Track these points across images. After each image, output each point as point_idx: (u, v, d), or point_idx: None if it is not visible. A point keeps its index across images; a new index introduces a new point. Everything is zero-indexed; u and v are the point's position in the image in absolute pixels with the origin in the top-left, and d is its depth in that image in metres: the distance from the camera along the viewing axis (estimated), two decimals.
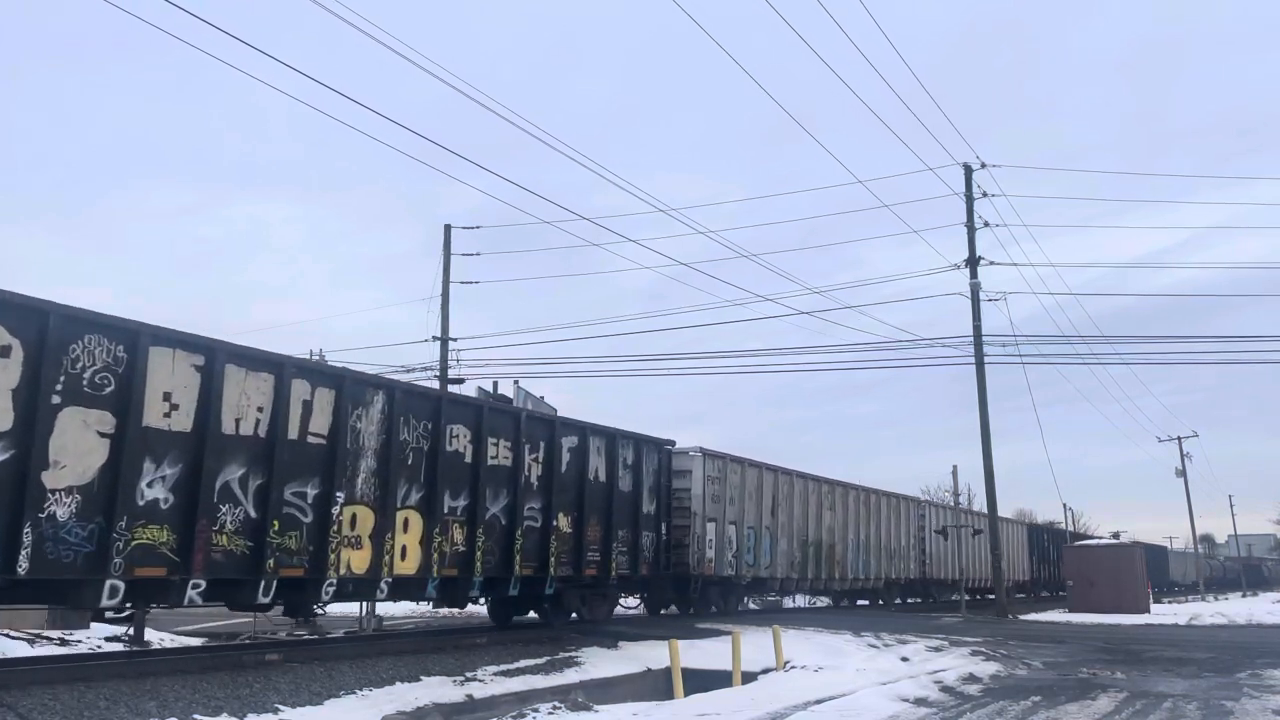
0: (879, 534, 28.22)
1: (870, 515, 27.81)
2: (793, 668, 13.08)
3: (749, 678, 12.32)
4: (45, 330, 8.60)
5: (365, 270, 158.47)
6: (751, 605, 28.75)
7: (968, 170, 29.31)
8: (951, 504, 34.72)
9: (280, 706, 9.35)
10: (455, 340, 30.91)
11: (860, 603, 30.29)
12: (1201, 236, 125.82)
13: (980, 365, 28.13)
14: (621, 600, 19.92)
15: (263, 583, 10.53)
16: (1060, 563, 43.02)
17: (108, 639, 15.27)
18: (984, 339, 28.23)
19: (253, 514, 10.37)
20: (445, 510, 12.88)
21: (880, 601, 29.72)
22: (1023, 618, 26.98)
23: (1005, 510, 39.96)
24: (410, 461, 12.41)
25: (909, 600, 32.98)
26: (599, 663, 13.43)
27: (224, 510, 10.09)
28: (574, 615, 16.45)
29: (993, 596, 33.35)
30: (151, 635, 16.16)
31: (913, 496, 32.42)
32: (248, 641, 15.62)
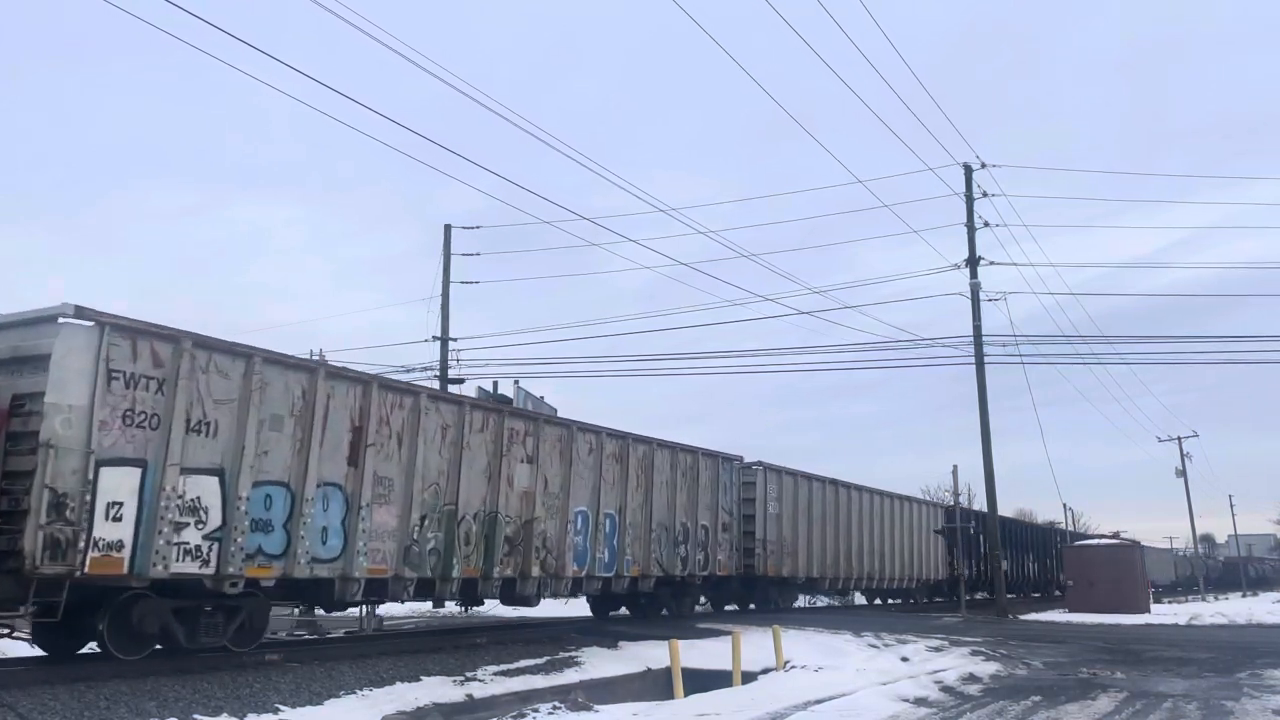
0: (650, 507, 18.38)
1: (635, 478, 18.06)
2: (793, 668, 13.09)
3: (749, 678, 12.33)
4: None
5: (365, 271, 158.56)
6: (302, 633, 18.68)
7: (968, 170, 29.31)
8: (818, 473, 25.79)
9: (280, 706, 9.36)
10: (455, 340, 30.93)
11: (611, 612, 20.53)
12: (1202, 235, 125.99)
13: (980, 365, 28.13)
14: None
15: None
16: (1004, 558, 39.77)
17: None
18: (984, 339, 28.25)
19: None
20: None
21: (665, 611, 20.22)
22: (1022, 618, 26.98)
23: (1005, 509, 39.45)
24: None
25: (730, 608, 24.21)
26: (599, 663, 13.44)
27: None
28: None
29: (895, 601, 32.61)
30: None
31: (732, 455, 21.84)
32: None
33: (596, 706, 10.06)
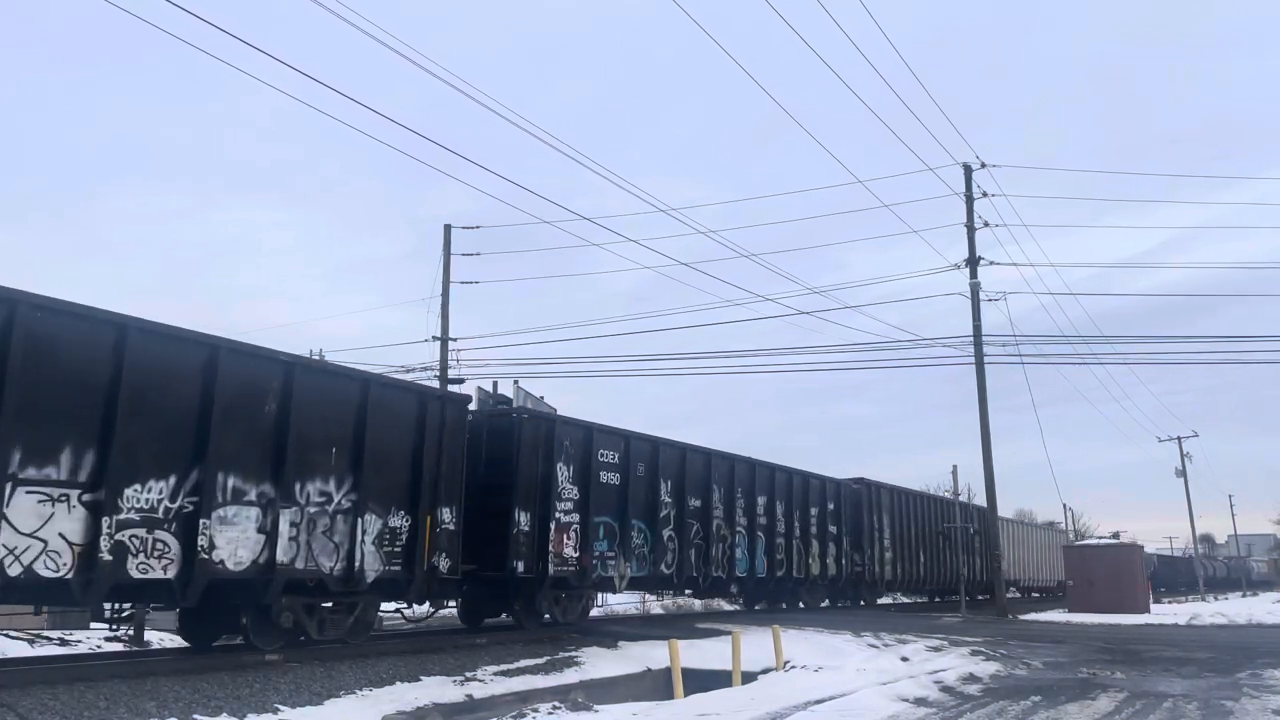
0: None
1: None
2: (792, 668, 13.08)
3: (749, 678, 12.32)
4: None
5: (354, 273, 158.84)
6: None
7: (967, 170, 29.32)
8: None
9: (280, 706, 9.35)
10: (455, 340, 30.96)
11: None
12: (1189, 236, 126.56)
13: (980, 365, 28.13)
14: None
15: None
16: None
17: (108, 639, 15.26)
18: (983, 339, 28.24)
19: None
20: None
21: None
22: (1022, 618, 26.99)
23: (1006, 509, 39.50)
24: None
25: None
26: (599, 663, 13.43)
27: None
28: None
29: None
30: (151, 635, 16.16)
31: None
32: None
33: (596, 706, 10.05)
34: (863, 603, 27.56)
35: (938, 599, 34.88)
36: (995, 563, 28.52)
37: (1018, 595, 39.22)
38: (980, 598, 34.57)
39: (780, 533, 22.04)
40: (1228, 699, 10.45)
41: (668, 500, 17.90)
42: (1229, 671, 13.26)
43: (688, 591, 21.02)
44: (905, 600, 34.62)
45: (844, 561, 25.35)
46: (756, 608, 24.30)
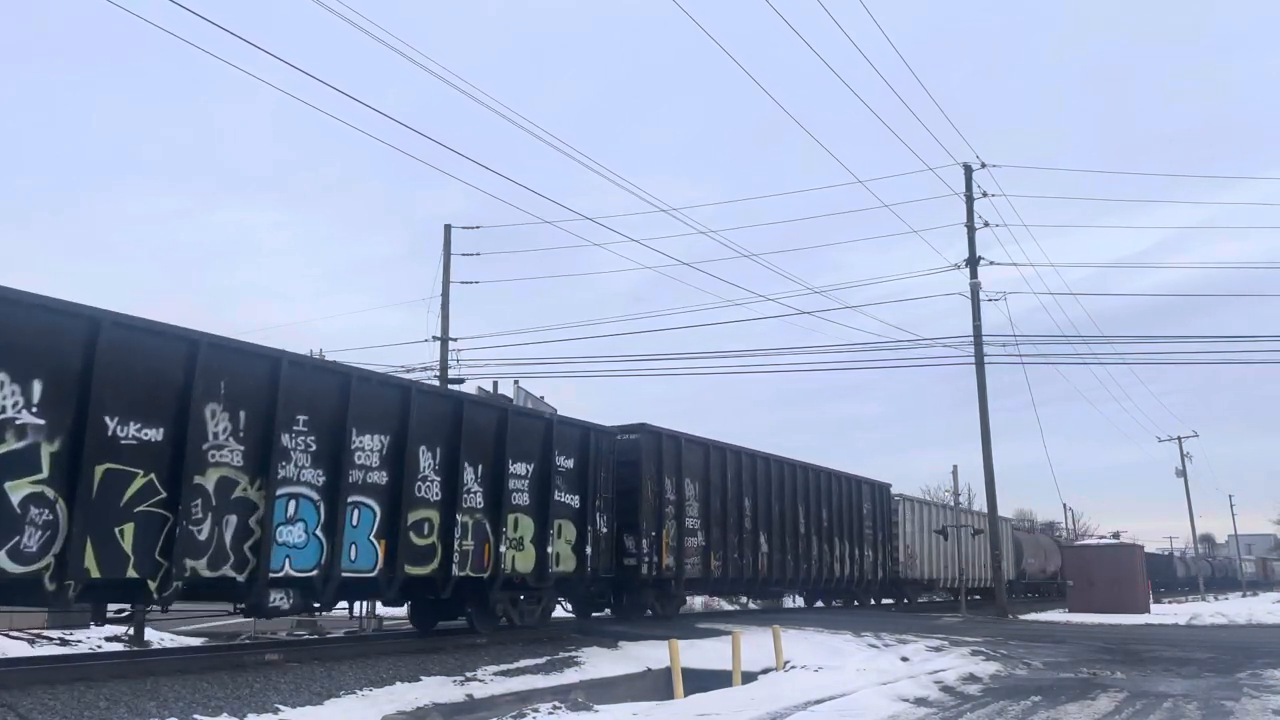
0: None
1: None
2: (793, 667, 13.09)
3: (749, 678, 12.33)
4: None
5: (353, 273, 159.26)
6: None
7: (968, 170, 29.33)
8: None
9: (280, 706, 9.35)
10: (455, 340, 30.97)
11: None
12: (1184, 236, 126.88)
13: (980, 365, 28.13)
14: None
15: None
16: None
17: (108, 639, 15.27)
18: (983, 338, 28.24)
19: None
20: None
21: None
22: (1022, 618, 27.00)
23: (1005, 509, 39.26)
24: None
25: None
26: (599, 663, 13.43)
27: None
28: None
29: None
30: (151, 635, 16.17)
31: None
32: (248, 641, 15.61)
33: (596, 706, 10.05)
34: (650, 613, 18.48)
35: (821, 604, 27.75)
36: (996, 562, 28.53)
37: (923, 600, 32.40)
38: (874, 602, 28.95)
39: (430, 500, 12.70)
40: (1228, 699, 10.45)
41: (37, 423, 8.61)
42: (1229, 671, 13.26)
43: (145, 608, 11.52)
44: (729, 607, 27.74)
45: (594, 551, 15.84)
46: (435, 628, 14.85)
